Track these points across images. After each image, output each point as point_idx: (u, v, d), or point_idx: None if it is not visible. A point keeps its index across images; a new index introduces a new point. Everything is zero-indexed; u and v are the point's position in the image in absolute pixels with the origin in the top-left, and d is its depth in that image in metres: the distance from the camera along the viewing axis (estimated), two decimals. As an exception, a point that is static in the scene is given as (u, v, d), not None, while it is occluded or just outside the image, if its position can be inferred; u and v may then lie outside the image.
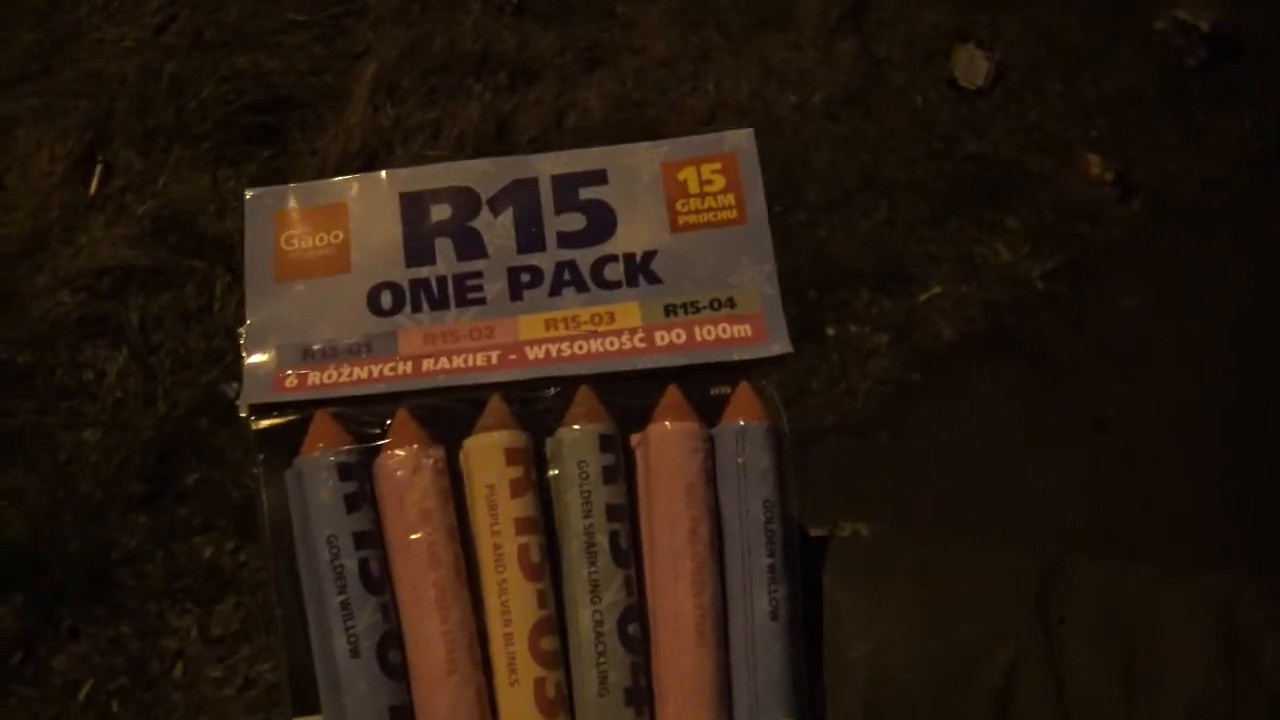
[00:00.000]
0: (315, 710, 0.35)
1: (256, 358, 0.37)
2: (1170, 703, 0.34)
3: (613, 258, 0.38)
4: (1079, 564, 0.38)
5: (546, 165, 0.39)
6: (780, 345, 0.37)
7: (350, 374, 0.37)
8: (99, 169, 1.66)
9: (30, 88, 1.66)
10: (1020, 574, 0.38)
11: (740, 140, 0.39)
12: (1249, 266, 1.69)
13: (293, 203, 0.39)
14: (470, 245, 0.38)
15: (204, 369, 1.47)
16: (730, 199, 0.39)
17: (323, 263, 0.38)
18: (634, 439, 0.37)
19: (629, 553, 0.36)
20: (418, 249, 0.38)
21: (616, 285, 0.38)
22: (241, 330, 0.38)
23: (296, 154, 1.64)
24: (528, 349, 0.37)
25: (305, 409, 0.36)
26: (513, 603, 0.35)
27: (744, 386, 0.37)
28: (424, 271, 0.38)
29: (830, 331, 1.61)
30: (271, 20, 1.81)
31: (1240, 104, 1.97)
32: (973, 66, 1.93)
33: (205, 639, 1.30)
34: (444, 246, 0.38)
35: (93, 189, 1.64)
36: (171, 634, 1.31)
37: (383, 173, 0.39)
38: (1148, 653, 0.35)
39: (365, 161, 1.67)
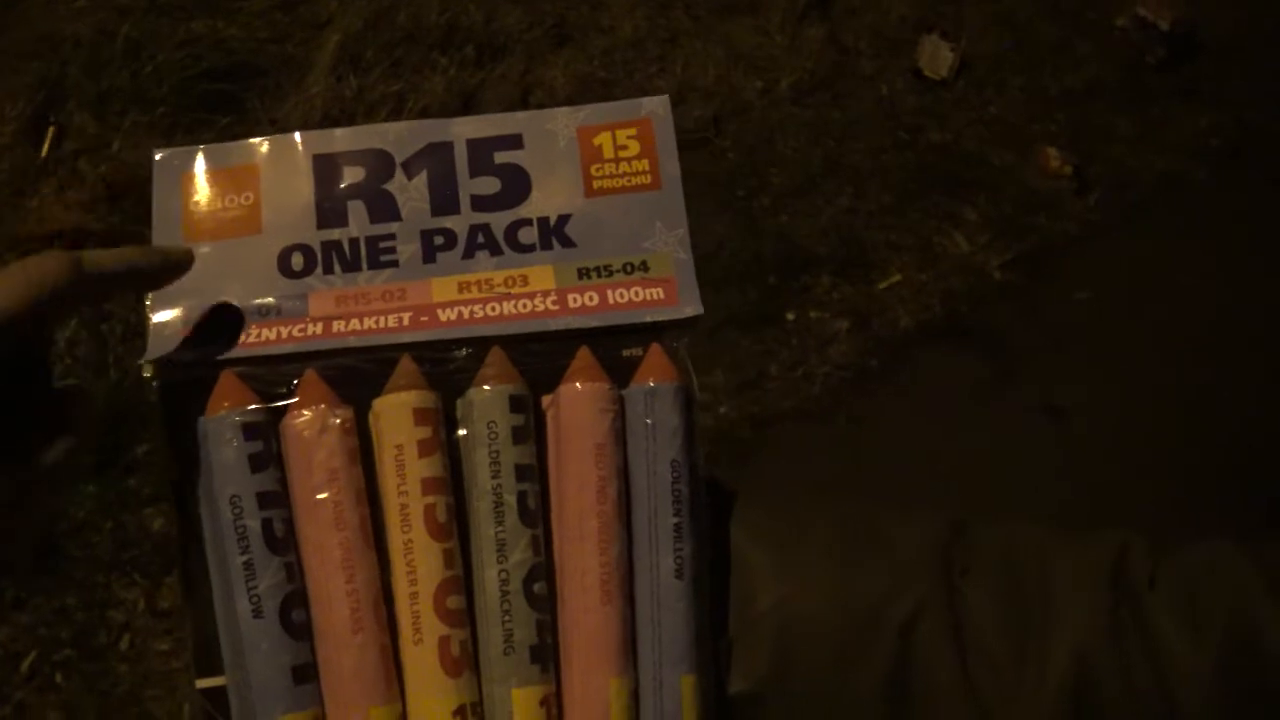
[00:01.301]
0: (219, 671, 0.35)
1: (162, 316, 0.37)
2: (1058, 648, 0.35)
3: (527, 221, 0.38)
4: (983, 522, 0.39)
5: (461, 129, 0.39)
6: (692, 308, 0.38)
7: (258, 335, 0.37)
8: (50, 131, 1.63)
9: (-20, 47, 1.62)
10: (927, 529, 0.39)
11: (656, 106, 0.39)
12: (1201, 261, 1.71)
13: (202, 164, 0.38)
14: (383, 207, 0.38)
15: (156, 339, 1.45)
16: (644, 164, 0.39)
17: (233, 224, 0.38)
18: (545, 400, 0.37)
19: (537, 512, 0.36)
20: (330, 211, 0.38)
21: (530, 248, 0.38)
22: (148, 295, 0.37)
23: (255, 122, 1.63)
24: (440, 311, 0.37)
25: (212, 368, 0.36)
26: (418, 562, 0.35)
27: (655, 348, 0.37)
28: (336, 233, 0.38)
29: (790, 316, 1.62)
30: (232, -14, 1.78)
31: (1197, 102, 1.99)
32: (938, 57, 1.94)
33: (153, 611, 1.29)
34: (357, 209, 0.38)
35: (44, 151, 1.61)
36: (118, 606, 1.29)
37: (296, 134, 0.39)
38: (1041, 603, 0.36)
39: (325, 133, 1.65)
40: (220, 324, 0.37)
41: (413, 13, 1.82)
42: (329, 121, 1.67)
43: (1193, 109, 2.01)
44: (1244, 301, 1.65)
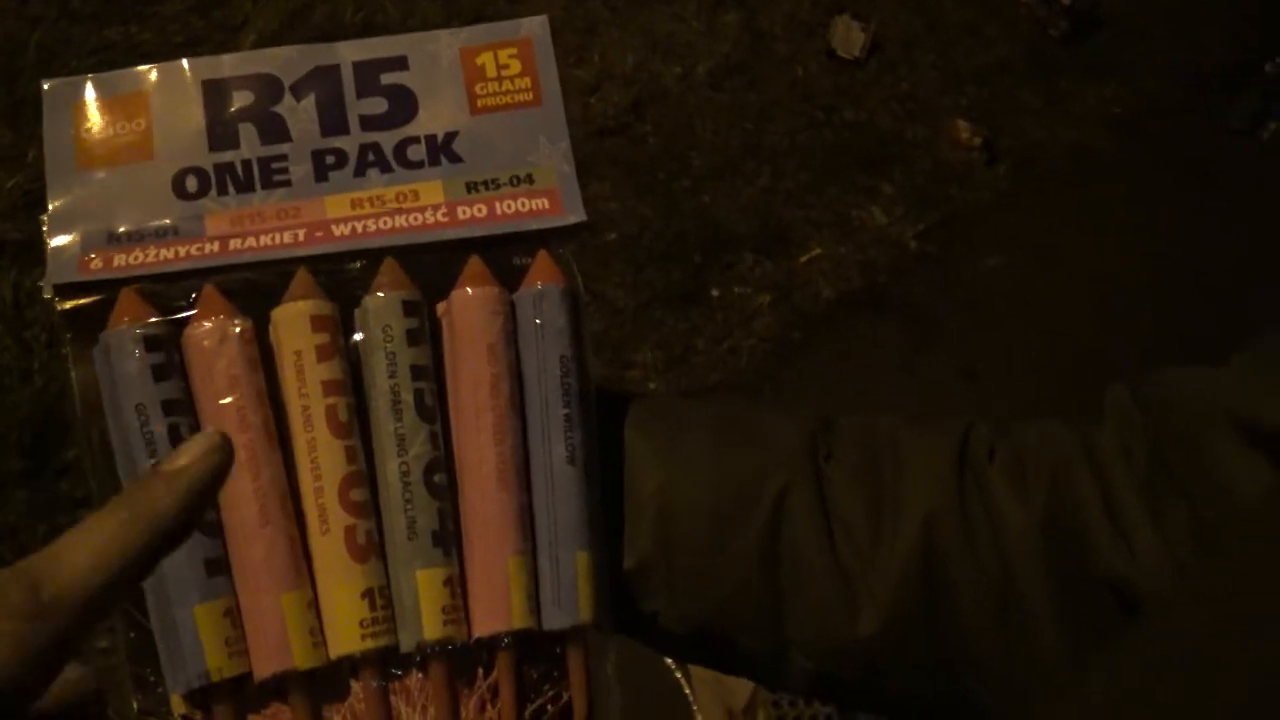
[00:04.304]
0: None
1: (60, 240, 0.38)
2: (909, 516, 0.39)
3: (415, 139, 0.40)
4: (848, 419, 0.42)
5: (348, 52, 0.40)
6: (576, 215, 0.40)
7: (156, 255, 0.38)
8: (-36, 143, 1.60)
9: (-115, 57, 1.60)
10: (796, 422, 0.41)
11: (535, 27, 0.42)
12: (1105, 226, 1.79)
13: (91, 92, 0.40)
14: (274, 129, 0.40)
15: (79, 342, 1.44)
16: (526, 82, 0.41)
17: (125, 150, 0.39)
18: (439, 308, 0.39)
19: (434, 409, 0.38)
20: (221, 134, 0.39)
21: (419, 165, 0.40)
22: (44, 217, 0.39)
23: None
24: (334, 226, 0.39)
25: (112, 289, 0.37)
26: (322, 459, 0.37)
27: (542, 254, 0.39)
28: (228, 156, 0.39)
29: (715, 292, 1.65)
30: (144, -10, 1.77)
31: (1100, 74, 2.08)
32: (850, 37, 2.00)
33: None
34: (247, 131, 0.39)
35: (-43, 163, 1.59)
36: (53, 609, 1.28)
37: (184, 61, 0.40)
38: (894, 477, 0.40)
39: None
40: None
41: (329, 12, 1.82)
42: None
43: (1095, 81, 2.09)
44: (1137, 264, 1.72)
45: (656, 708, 1.13)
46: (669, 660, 1.12)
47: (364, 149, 0.40)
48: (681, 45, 1.97)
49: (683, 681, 1.12)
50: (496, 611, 0.37)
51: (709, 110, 1.89)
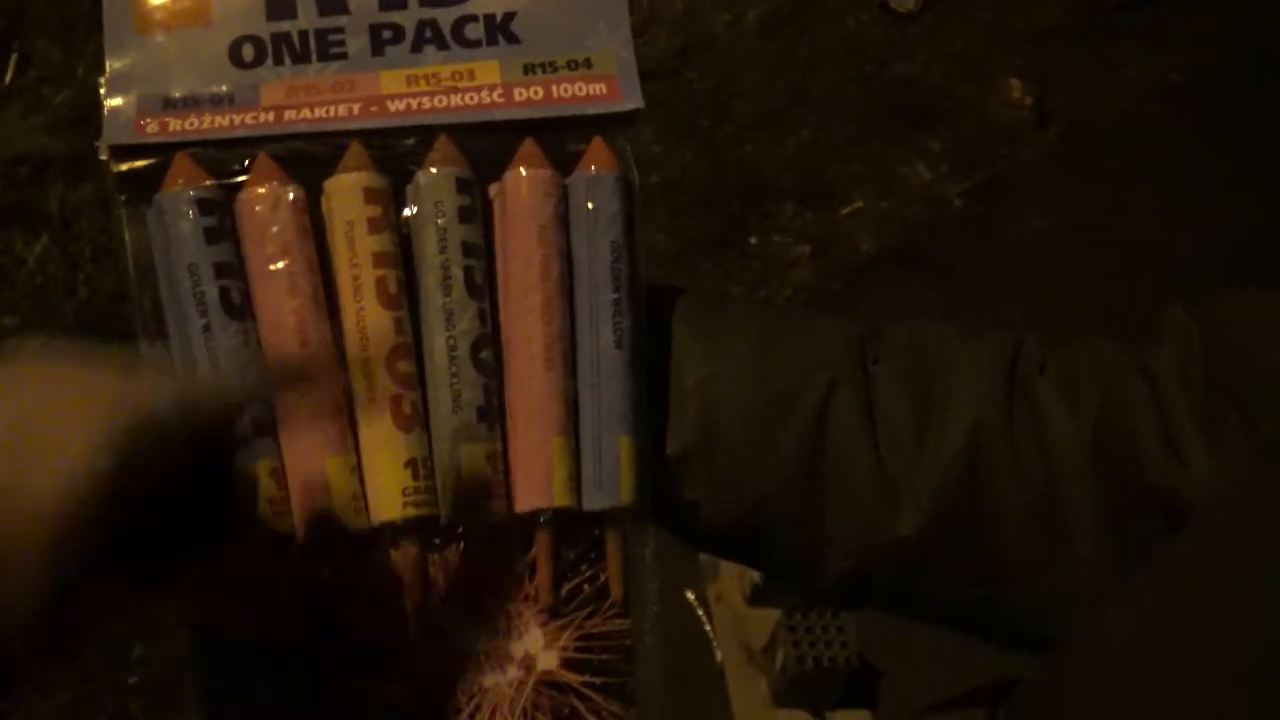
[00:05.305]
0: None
1: (116, 101, 0.38)
2: (956, 423, 0.38)
3: (473, 17, 0.40)
4: (897, 326, 0.42)
5: None
6: (633, 102, 0.39)
7: (211, 121, 0.38)
8: (14, 59, 1.62)
9: (-62, -28, 1.61)
10: (845, 326, 0.41)
11: None
12: (1153, 194, 1.75)
13: None
14: (332, 1, 0.39)
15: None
16: None
17: (183, 15, 0.39)
18: (492, 189, 0.39)
19: (483, 288, 0.38)
20: (279, 3, 0.39)
21: (477, 44, 0.40)
22: (101, 80, 0.39)
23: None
24: (389, 102, 0.39)
25: (166, 153, 0.37)
26: (370, 329, 0.37)
27: (597, 140, 0.39)
28: (285, 25, 0.39)
29: (753, 240, 1.64)
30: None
31: (1157, 41, 2.02)
32: (904, -10, 1.96)
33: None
34: (305, 1, 0.39)
35: (8, 78, 1.60)
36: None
37: None
38: (942, 384, 0.39)
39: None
40: None
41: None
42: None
43: (1152, 48, 2.04)
44: (1186, 236, 1.69)
45: (678, 646, 1.14)
46: (690, 595, 1.12)
47: (421, 25, 0.40)
48: (732, -8, 1.94)
49: (703, 619, 1.12)
50: (537, 489, 0.37)
51: (756, 59, 1.86)
